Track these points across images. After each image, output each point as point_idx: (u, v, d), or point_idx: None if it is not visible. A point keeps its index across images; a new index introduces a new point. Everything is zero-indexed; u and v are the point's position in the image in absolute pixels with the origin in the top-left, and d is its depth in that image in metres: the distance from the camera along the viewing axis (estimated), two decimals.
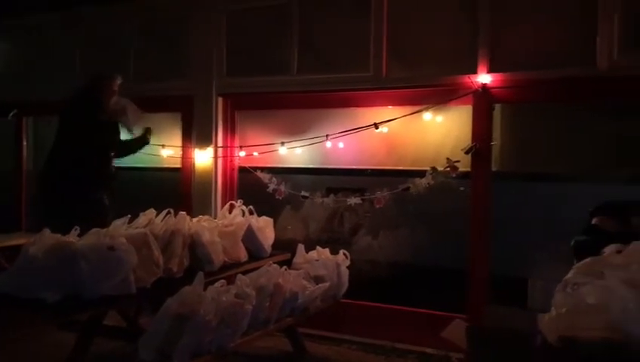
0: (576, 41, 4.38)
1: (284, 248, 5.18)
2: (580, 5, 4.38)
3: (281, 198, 5.42)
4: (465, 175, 4.81)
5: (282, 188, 5.39)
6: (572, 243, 3.78)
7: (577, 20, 4.38)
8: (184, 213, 4.26)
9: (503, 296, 4.57)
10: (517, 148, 5.05)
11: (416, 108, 4.90)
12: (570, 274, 2.97)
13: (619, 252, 3.10)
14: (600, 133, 4.90)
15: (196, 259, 4.14)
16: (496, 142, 4.83)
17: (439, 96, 4.80)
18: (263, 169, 5.54)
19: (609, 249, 3.17)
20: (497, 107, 4.79)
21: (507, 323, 3.11)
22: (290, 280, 4.14)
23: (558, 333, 2.57)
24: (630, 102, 4.45)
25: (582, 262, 3.11)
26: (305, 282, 4.33)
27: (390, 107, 5.13)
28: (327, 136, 5.17)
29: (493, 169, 4.81)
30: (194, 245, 4.14)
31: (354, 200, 5.21)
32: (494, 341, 3.01)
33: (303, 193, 5.37)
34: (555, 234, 4.14)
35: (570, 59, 4.37)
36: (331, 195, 5.33)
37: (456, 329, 3.34)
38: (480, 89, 4.64)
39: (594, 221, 3.91)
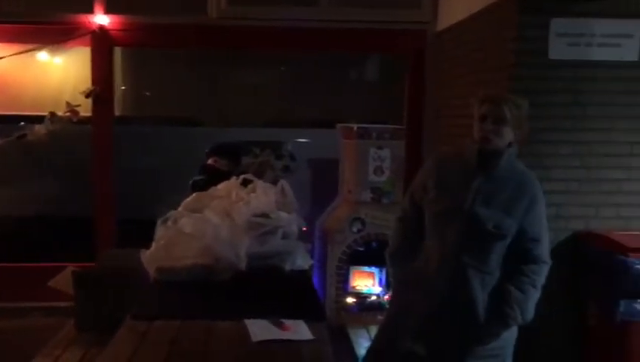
0: None
1: None
2: None
3: None
4: (87, 120, 4.61)
5: None
6: (190, 182, 3.99)
7: None
8: None
9: (134, 240, 4.60)
10: (143, 93, 5.06)
11: (30, 46, 4.46)
12: (177, 210, 3.12)
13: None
14: (228, 81, 5.23)
15: None
16: (124, 87, 4.74)
17: (55, 35, 4.44)
18: None
19: (220, 186, 3.44)
20: (118, 50, 4.68)
21: (117, 263, 3.13)
22: None
23: (157, 265, 2.68)
24: (241, 51, 4.83)
25: (188, 198, 3.32)
26: None
27: None
28: None
29: (117, 114, 4.73)
30: None
31: None
32: (98, 282, 3.00)
33: None
34: (181, 175, 4.29)
35: (184, 7, 4.50)
36: None
37: (65, 277, 3.23)
38: (98, 30, 4.45)
39: (209, 161, 4.18)
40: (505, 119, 2.06)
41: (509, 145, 2.11)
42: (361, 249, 4.03)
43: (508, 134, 2.09)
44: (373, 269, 4.13)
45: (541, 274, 2.14)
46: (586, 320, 2.91)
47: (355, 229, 3.97)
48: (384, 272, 4.10)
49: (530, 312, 2.13)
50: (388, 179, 4.08)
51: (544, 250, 2.16)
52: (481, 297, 2.15)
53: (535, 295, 2.13)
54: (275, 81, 5.48)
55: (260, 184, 3.16)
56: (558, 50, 2.96)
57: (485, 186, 2.10)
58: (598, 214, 3.02)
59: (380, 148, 4.11)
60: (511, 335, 2.22)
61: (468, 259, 2.11)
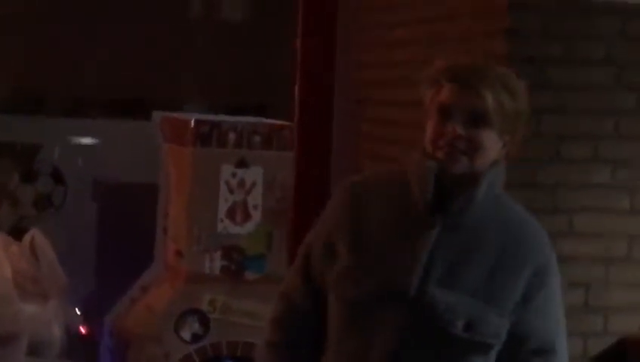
0: None
1: None
2: None
3: None
4: None
5: None
6: None
7: None
8: None
9: None
10: None
11: None
12: None
13: None
14: None
15: None
16: None
17: None
18: None
19: None
20: None
21: None
22: None
23: None
24: None
25: None
26: None
27: None
28: None
29: None
30: None
31: None
32: None
33: None
34: None
35: None
36: None
37: None
38: None
39: None
40: (487, 116, 1.33)
41: (492, 163, 1.38)
42: None
43: (492, 145, 1.36)
44: None
45: None
46: None
47: (187, 335, 2.41)
48: None
49: None
50: (257, 230, 2.51)
51: None
52: None
53: None
54: (23, 25, 3.42)
55: None
56: None
57: (447, 246, 1.37)
58: None
59: (242, 164, 2.56)
60: None
61: None
